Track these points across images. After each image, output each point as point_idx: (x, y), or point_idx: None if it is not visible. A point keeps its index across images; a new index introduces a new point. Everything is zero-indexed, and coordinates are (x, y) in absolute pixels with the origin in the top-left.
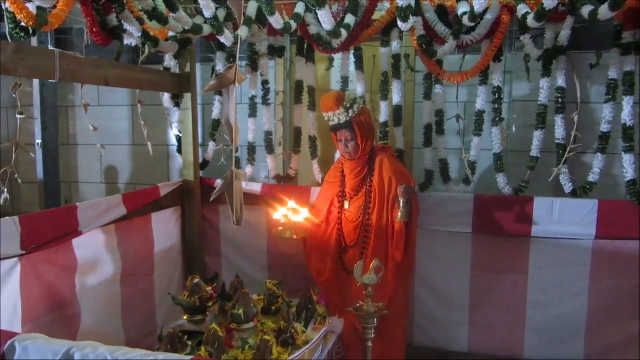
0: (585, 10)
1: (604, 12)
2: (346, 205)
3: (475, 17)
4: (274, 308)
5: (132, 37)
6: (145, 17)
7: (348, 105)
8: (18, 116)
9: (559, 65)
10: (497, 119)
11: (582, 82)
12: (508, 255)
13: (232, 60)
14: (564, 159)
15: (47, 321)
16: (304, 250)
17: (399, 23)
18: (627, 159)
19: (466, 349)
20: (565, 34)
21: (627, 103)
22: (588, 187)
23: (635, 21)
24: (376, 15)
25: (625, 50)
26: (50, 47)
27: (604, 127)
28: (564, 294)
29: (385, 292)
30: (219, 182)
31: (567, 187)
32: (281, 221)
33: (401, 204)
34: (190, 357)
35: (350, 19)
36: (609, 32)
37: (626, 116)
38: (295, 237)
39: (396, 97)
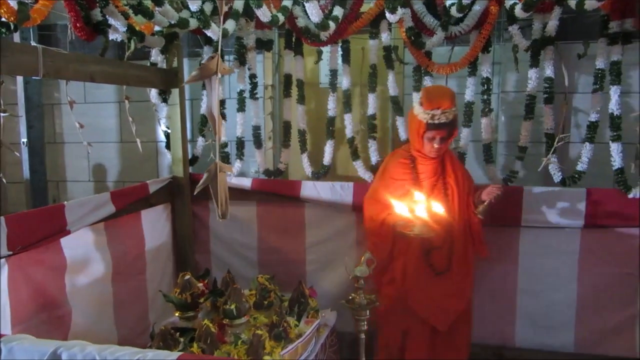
0: (573, 1)
1: (591, 2)
2: None
3: (464, 8)
4: (266, 302)
5: (117, 32)
6: (130, 11)
7: (456, 104)
8: (1, 114)
9: (547, 55)
10: (486, 109)
11: (570, 72)
12: (498, 244)
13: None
14: (552, 148)
15: (37, 322)
16: (372, 253)
17: (387, 15)
18: (615, 148)
19: None
20: (552, 24)
21: (614, 92)
22: (577, 176)
23: (622, 11)
24: (364, 8)
25: (612, 40)
26: (33, 44)
27: (592, 117)
28: (554, 282)
29: (466, 291)
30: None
31: (556, 177)
32: (406, 216)
33: (485, 203)
34: (179, 353)
35: (338, 11)
36: (596, 22)
37: (613, 105)
38: (423, 235)
39: (393, 88)
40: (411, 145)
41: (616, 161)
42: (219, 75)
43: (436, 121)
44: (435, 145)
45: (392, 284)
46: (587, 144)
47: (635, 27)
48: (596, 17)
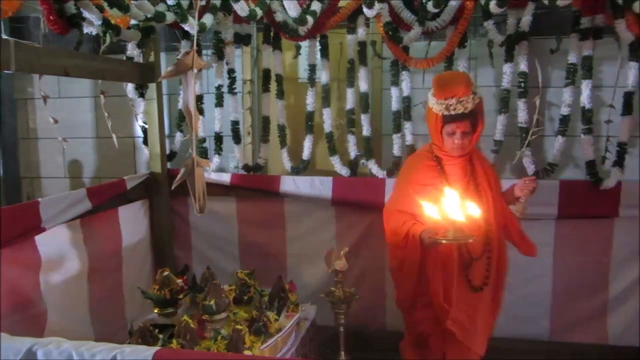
0: None
1: None
2: None
3: (440, 4)
4: (246, 298)
5: (91, 25)
6: (105, 4)
7: (476, 90)
8: None
9: (521, 50)
10: None
11: (543, 67)
12: None
13: (196, 48)
14: (526, 141)
15: (11, 322)
16: (398, 271)
17: (365, 9)
18: (586, 141)
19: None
20: (526, 19)
21: (585, 87)
22: (550, 168)
23: (593, 7)
24: (342, 2)
25: (583, 36)
26: (5, 37)
27: (564, 110)
28: (529, 273)
29: (499, 305)
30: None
31: (530, 169)
32: (438, 219)
33: (522, 200)
34: (157, 348)
35: (316, 6)
36: (568, 17)
37: (585, 99)
38: (459, 241)
39: (363, 84)
40: (432, 143)
41: (588, 153)
42: (195, 70)
43: (452, 112)
44: (456, 141)
45: (430, 307)
46: (559, 137)
47: (605, 22)
48: (568, 13)
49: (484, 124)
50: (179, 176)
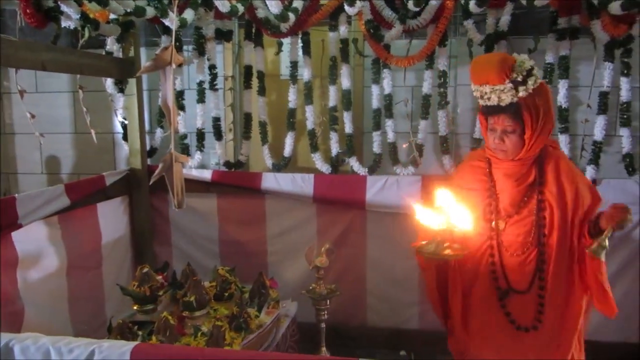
0: None
1: None
2: (501, 226)
3: (420, 3)
4: (226, 294)
5: (69, 19)
6: None
7: (519, 78)
8: None
9: (500, 49)
10: (443, 102)
11: None
12: None
13: (177, 43)
14: None
15: None
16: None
17: (346, 7)
18: (563, 139)
19: (417, 326)
20: (505, 19)
21: (562, 86)
22: None
23: (569, 8)
24: (324, 0)
25: (560, 36)
26: None
27: None
28: None
29: (566, 354)
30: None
31: None
32: (430, 228)
33: (605, 234)
34: (135, 342)
35: (298, 3)
36: (545, 18)
37: (561, 99)
38: (438, 257)
39: (345, 82)
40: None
41: (564, 152)
42: (174, 65)
43: (487, 102)
44: (495, 140)
45: (452, 335)
46: None
47: (581, 23)
48: (546, 13)
49: (548, 126)
50: (157, 171)
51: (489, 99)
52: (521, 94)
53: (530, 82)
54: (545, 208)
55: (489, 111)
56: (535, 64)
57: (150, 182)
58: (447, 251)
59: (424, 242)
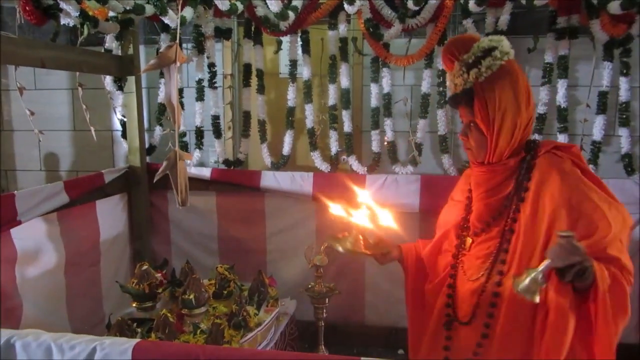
0: None
1: None
2: (467, 245)
3: (420, 1)
4: (225, 292)
5: (69, 16)
6: None
7: (471, 60)
8: None
9: None
10: (442, 101)
11: (521, 66)
12: None
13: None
14: None
15: None
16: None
17: (346, 6)
18: (562, 139)
19: None
20: (504, 18)
21: (561, 86)
22: None
23: (569, 7)
24: None
25: (559, 35)
26: None
27: (540, 109)
28: None
29: None
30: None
31: None
32: (343, 216)
33: (542, 267)
34: (136, 340)
35: (297, 1)
36: (545, 17)
37: (560, 98)
38: (356, 251)
39: (344, 81)
40: None
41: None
42: (178, 63)
43: (448, 92)
44: (461, 136)
45: None
46: (535, 135)
47: (580, 23)
48: (545, 12)
49: (511, 116)
50: (161, 169)
51: (450, 88)
52: (471, 78)
53: (485, 63)
54: (514, 231)
55: (450, 102)
56: (505, 45)
57: (155, 180)
58: (346, 245)
59: (339, 235)
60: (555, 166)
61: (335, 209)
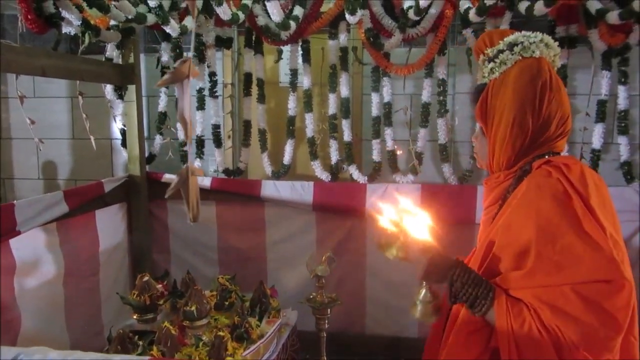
0: (522, 6)
1: (539, 7)
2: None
3: (420, 11)
4: (227, 303)
5: (70, 25)
6: (84, 4)
7: (492, 54)
8: None
9: None
10: (442, 110)
11: None
12: (454, 242)
13: (177, 51)
14: None
15: None
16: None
17: (347, 16)
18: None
19: (416, 334)
20: (504, 28)
21: None
22: None
23: (567, 17)
24: (324, 8)
25: (558, 45)
26: None
27: None
28: None
29: None
30: (167, 177)
31: None
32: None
33: (421, 293)
34: (147, 357)
35: (298, 11)
36: (544, 27)
37: None
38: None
39: (344, 90)
40: None
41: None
42: (191, 78)
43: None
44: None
45: None
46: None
47: (579, 32)
48: (544, 22)
49: (504, 123)
50: (172, 185)
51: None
52: (486, 72)
53: (501, 57)
54: (489, 235)
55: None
56: (532, 40)
57: (166, 195)
58: (393, 252)
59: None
60: (536, 178)
61: (384, 221)
